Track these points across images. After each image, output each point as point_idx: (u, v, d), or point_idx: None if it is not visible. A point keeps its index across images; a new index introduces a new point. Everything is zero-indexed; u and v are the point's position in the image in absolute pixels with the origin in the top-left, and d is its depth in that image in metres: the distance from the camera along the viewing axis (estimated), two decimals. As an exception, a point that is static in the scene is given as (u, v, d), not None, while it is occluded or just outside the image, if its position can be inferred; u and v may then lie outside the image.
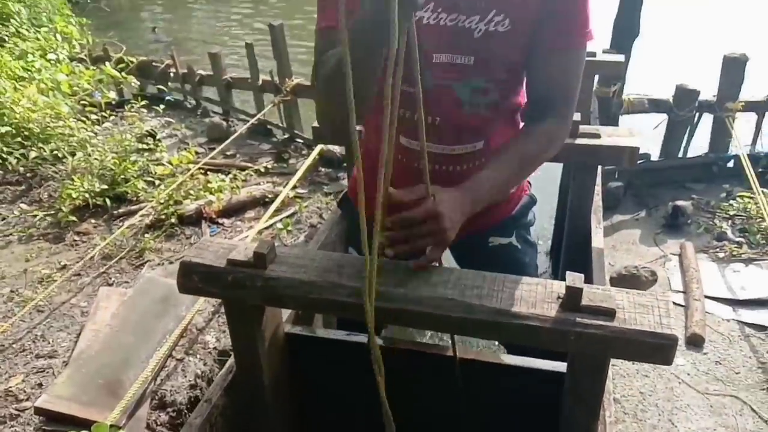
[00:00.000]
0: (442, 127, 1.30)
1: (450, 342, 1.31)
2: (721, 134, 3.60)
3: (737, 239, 3.09)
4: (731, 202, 3.35)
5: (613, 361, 2.25)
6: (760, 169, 3.44)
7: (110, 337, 2.28)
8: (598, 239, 2.08)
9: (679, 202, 3.24)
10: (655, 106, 3.55)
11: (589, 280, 1.92)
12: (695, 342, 2.43)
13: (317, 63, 1.16)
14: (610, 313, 1.05)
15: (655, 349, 1.02)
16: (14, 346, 2.45)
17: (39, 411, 1.98)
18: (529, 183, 1.68)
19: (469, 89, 1.26)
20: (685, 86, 3.46)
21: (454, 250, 1.73)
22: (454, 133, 1.31)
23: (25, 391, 2.22)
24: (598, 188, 2.41)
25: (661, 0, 7.38)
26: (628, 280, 2.73)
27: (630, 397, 2.18)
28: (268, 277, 1.20)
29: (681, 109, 3.47)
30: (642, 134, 3.73)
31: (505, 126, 1.39)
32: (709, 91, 3.57)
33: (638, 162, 3.53)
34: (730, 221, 3.24)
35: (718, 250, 3.03)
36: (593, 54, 2.83)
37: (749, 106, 3.53)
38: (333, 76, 1.03)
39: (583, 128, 2.02)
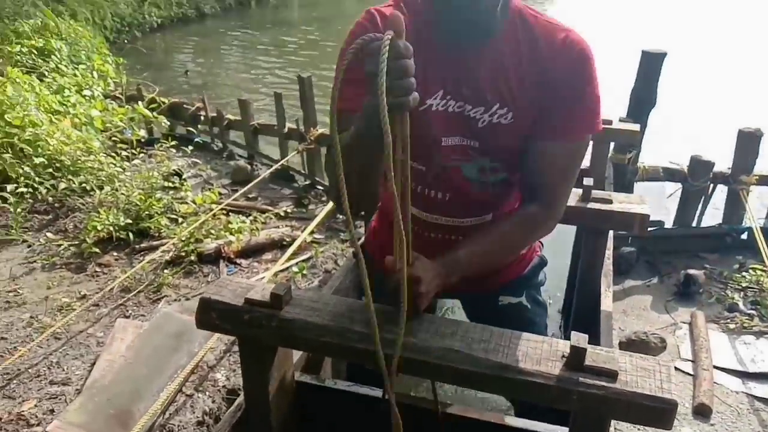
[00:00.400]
0: (452, 202, 1.37)
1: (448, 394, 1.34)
2: (735, 206, 3.64)
3: (749, 311, 3.09)
4: (744, 273, 3.36)
5: (617, 425, 2.26)
6: (773, 243, 3.46)
7: (124, 368, 2.33)
8: (607, 303, 2.12)
9: (692, 271, 3.26)
10: (670, 175, 3.61)
11: (596, 342, 1.96)
12: (702, 412, 2.42)
13: (329, 145, 1.25)
14: (612, 375, 1.09)
15: (655, 412, 1.05)
16: (30, 371, 2.51)
17: (50, 436, 2.03)
18: (541, 244, 1.74)
19: (476, 168, 1.33)
20: (700, 157, 3.52)
21: (466, 307, 1.78)
22: (464, 207, 1.39)
23: (36, 416, 2.27)
24: (609, 252, 2.45)
25: (679, 72, 7.55)
26: (637, 345, 2.74)
27: (634, 464, 2.18)
28: (283, 318, 1.25)
29: (695, 179, 3.53)
30: (656, 202, 3.81)
31: (516, 199, 1.46)
32: (724, 163, 3.63)
33: (651, 229, 3.60)
34: (742, 293, 3.25)
35: (729, 321, 3.03)
36: (609, 122, 2.92)
37: (763, 180, 3.58)
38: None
39: (595, 193, 2.08)
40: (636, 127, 2.96)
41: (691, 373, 2.65)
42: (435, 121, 1.28)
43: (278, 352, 1.40)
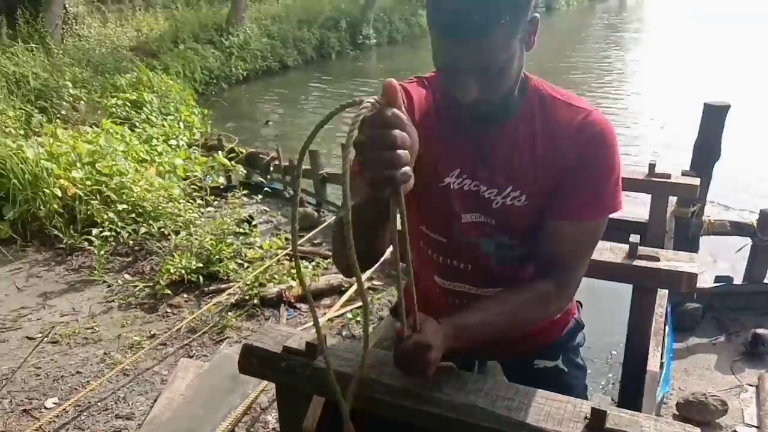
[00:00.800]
0: (474, 273, 1.40)
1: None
2: (810, 262, 3.47)
3: (824, 376, 2.92)
4: (820, 335, 3.18)
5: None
6: None
7: (182, 406, 2.47)
8: (653, 363, 2.09)
9: (761, 330, 3.11)
10: (738, 229, 3.49)
11: (639, 403, 1.93)
12: (763, 482, 2.31)
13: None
14: None
15: None
16: (99, 404, 2.70)
17: (109, 468, 2.17)
18: (580, 304, 1.71)
19: (494, 244, 1.35)
20: (770, 211, 3.40)
21: (504, 371, 1.78)
22: (485, 278, 1.40)
23: (101, 448, 2.43)
24: (662, 311, 2.41)
25: (749, 123, 7.35)
26: (695, 407, 2.64)
27: None
28: (316, 367, 1.32)
29: (765, 234, 3.39)
30: (723, 257, 3.67)
31: (536, 270, 1.44)
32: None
33: (718, 285, 3.48)
34: (817, 356, 3.07)
35: (800, 385, 2.87)
36: (668, 176, 2.89)
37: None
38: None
39: (642, 250, 2.05)
40: (696, 181, 2.90)
41: (755, 439, 2.53)
42: (453, 198, 1.32)
43: (313, 398, 1.47)
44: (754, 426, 2.61)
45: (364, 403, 1.31)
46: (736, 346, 3.20)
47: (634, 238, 2.09)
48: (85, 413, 2.64)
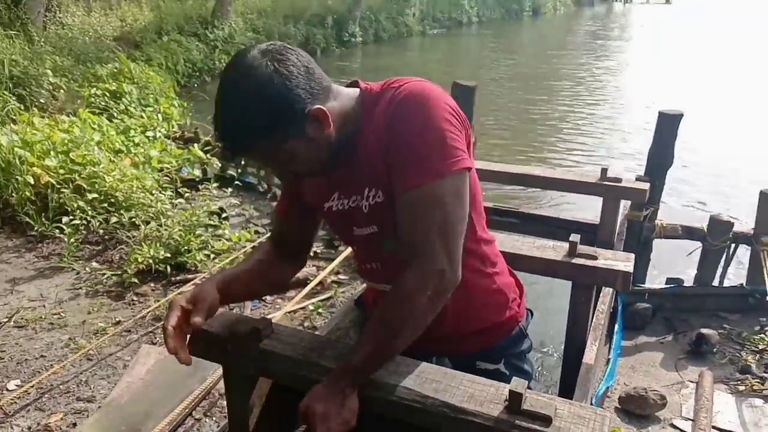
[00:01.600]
0: (386, 271, 1.49)
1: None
2: (758, 266, 3.61)
3: (762, 374, 3.06)
4: (763, 335, 3.33)
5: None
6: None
7: (141, 390, 2.55)
8: (589, 355, 2.19)
9: (705, 330, 3.25)
10: (689, 233, 3.63)
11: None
12: (691, 471, 2.43)
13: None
14: (546, 419, 1.17)
15: None
16: (61, 387, 2.77)
17: (65, 446, 2.25)
18: (530, 313, 1.76)
19: (390, 243, 1.40)
20: (719, 216, 3.54)
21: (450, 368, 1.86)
22: (396, 274, 1.41)
23: (61, 429, 2.51)
24: (603, 307, 2.53)
25: (702, 131, 7.62)
26: (635, 400, 2.77)
27: None
28: (261, 350, 1.42)
29: (714, 238, 3.54)
30: (675, 260, 3.81)
31: None
32: (748, 223, 3.63)
33: (668, 287, 3.62)
34: (758, 355, 3.21)
35: (739, 382, 3.01)
36: (618, 180, 3.02)
37: (786, 242, 3.55)
38: None
39: (581, 249, 2.17)
40: (645, 185, 3.04)
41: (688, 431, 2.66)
42: (339, 217, 1.46)
43: (259, 380, 1.55)
44: (689, 419, 2.74)
45: (303, 384, 1.40)
46: (682, 345, 3.34)
47: (575, 237, 2.21)
48: (47, 395, 2.71)
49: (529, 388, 1.23)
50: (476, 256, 1.52)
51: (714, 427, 2.68)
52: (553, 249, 2.22)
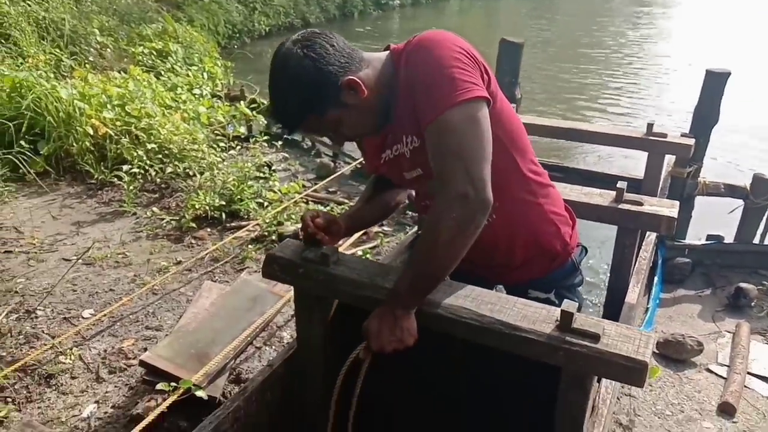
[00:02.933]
0: None
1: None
2: (800, 226, 3.66)
3: (798, 327, 3.14)
4: (801, 292, 3.39)
5: (638, 410, 2.43)
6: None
7: (206, 319, 2.74)
8: (632, 296, 2.31)
9: (743, 284, 3.33)
10: (731, 191, 3.67)
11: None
12: (727, 410, 2.54)
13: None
14: (595, 337, 1.30)
15: (628, 371, 1.25)
16: (130, 317, 2.98)
17: (142, 363, 2.46)
18: (585, 250, 1.86)
19: (433, 185, 1.50)
20: (762, 176, 3.58)
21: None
22: None
23: (133, 352, 2.72)
24: (645, 253, 2.63)
25: (745, 93, 7.48)
26: (673, 345, 2.88)
27: (647, 446, 2.35)
28: (329, 273, 1.57)
29: (757, 197, 3.58)
30: (717, 217, 3.87)
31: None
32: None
33: (709, 242, 3.68)
34: (795, 310, 3.29)
35: (775, 334, 3.10)
36: (664, 135, 3.07)
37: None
38: None
39: (627, 196, 2.27)
40: (691, 141, 3.09)
41: (724, 376, 2.77)
42: (390, 166, 1.62)
43: (326, 302, 1.70)
44: (725, 365, 2.85)
45: (367, 304, 1.54)
46: (720, 298, 3.43)
47: (621, 184, 2.30)
48: (118, 323, 2.93)
49: None
50: (522, 186, 1.63)
51: (749, 373, 2.79)
52: (600, 195, 2.31)
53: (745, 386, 2.70)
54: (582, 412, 1.40)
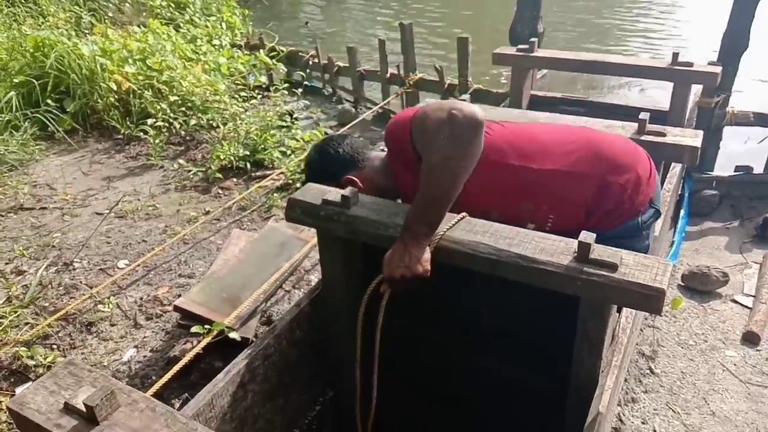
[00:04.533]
0: None
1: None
2: (832, 154, 3.57)
3: (828, 257, 3.10)
4: (831, 221, 3.34)
5: (661, 341, 2.46)
6: None
7: (236, 265, 2.82)
8: (656, 229, 2.30)
9: (772, 215, 3.29)
10: (761, 120, 3.59)
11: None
12: (750, 339, 2.56)
13: None
14: (612, 267, 1.32)
15: (645, 298, 1.26)
16: (163, 266, 3.08)
17: (177, 309, 2.55)
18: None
19: None
20: (794, 102, 3.48)
21: None
22: None
23: (168, 299, 2.82)
24: (669, 185, 2.61)
25: None
26: (698, 277, 2.88)
27: (670, 374, 2.38)
28: (350, 215, 1.60)
29: (788, 124, 3.50)
30: (746, 148, 3.79)
31: None
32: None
33: (737, 174, 3.63)
34: (825, 239, 3.25)
35: (803, 263, 3.07)
36: (690, 64, 2.99)
37: None
38: None
39: (650, 127, 2.24)
40: (717, 69, 3.00)
41: (750, 306, 2.77)
42: None
43: (348, 243, 1.74)
44: (751, 296, 2.85)
45: (388, 243, 1.57)
46: (748, 230, 3.39)
47: (644, 115, 2.27)
48: (152, 272, 3.03)
49: None
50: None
51: (776, 302, 2.79)
52: (622, 128, 2.29)
53: (771, 315, 2.71)
54: (600, 341, 1.43)
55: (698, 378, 2.37)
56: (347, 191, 1.63)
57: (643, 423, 2.17)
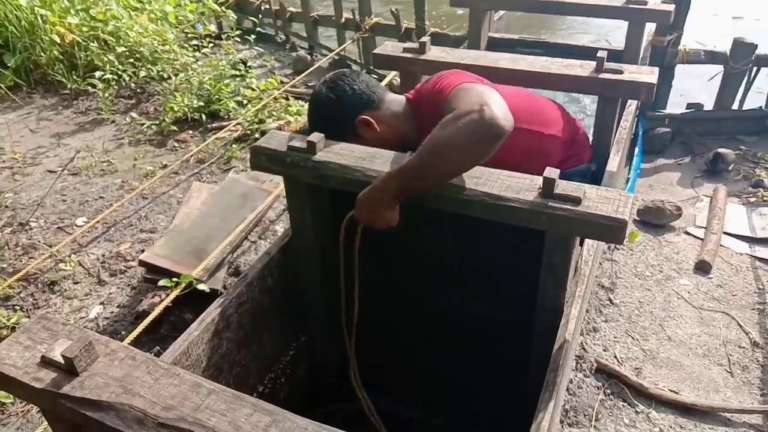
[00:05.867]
0: None
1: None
2: (778, 89, 3.68)
3: (773, 187, 3.24)
4: (778, 154, 3.47)
5: (619, 273, 2.55)
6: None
7: (199, 218, 2.79)
8: (612, 164, 2.35)
9: (721, 150, 3.40)
10: (711, 57, 3.66)
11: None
12: (703, 268, 2.68)
13: None
14: (576, 200, 1.36)
15: (608, 229, 1.31)
16: (123, 221, 3.03)
17: (142, 263, 2.53)
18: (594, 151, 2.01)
19: None
20: (743, 39, 3.56)
21: None
22: None
23: (131, 255, 2.79)
24: (625, 123, 2.66)
25: None
26: (653, 212, 2.98)
27: (628, 304, 2.49)
28: (317, 160, 1.59)
29: (737, 62, 3.58)
30: (697, 85, 3.88)
31: None
32: (768, 47, 3.64)
33: (688, 111, 3.72)
34: (771, 171, 3.38)
35: (750, 195, 3.20)
36: (644, 2, 3.02)
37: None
38: None
39: (607, 65, 2.27)
40: (670, 7, 3.04)
41: (701, 237, 2.89)
42: None
43: (315, 189, 1.74)
44: (702, 227, 2.97)
45: (356, 186, 1.58)
46: (699, 165, 3.51)
47: (602, 53, 2.30)
48: (112, 229, 2.98)
49: None
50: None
51: (725, 233, 2.91)
52: (581, 67, 2.31)
53: (721, 245, 2.83)
54: (565, 273, 1.48)
55: (655, 306, 2.48)
56: (313, 137, 1.62)
57: (604, 350, 2.27)
